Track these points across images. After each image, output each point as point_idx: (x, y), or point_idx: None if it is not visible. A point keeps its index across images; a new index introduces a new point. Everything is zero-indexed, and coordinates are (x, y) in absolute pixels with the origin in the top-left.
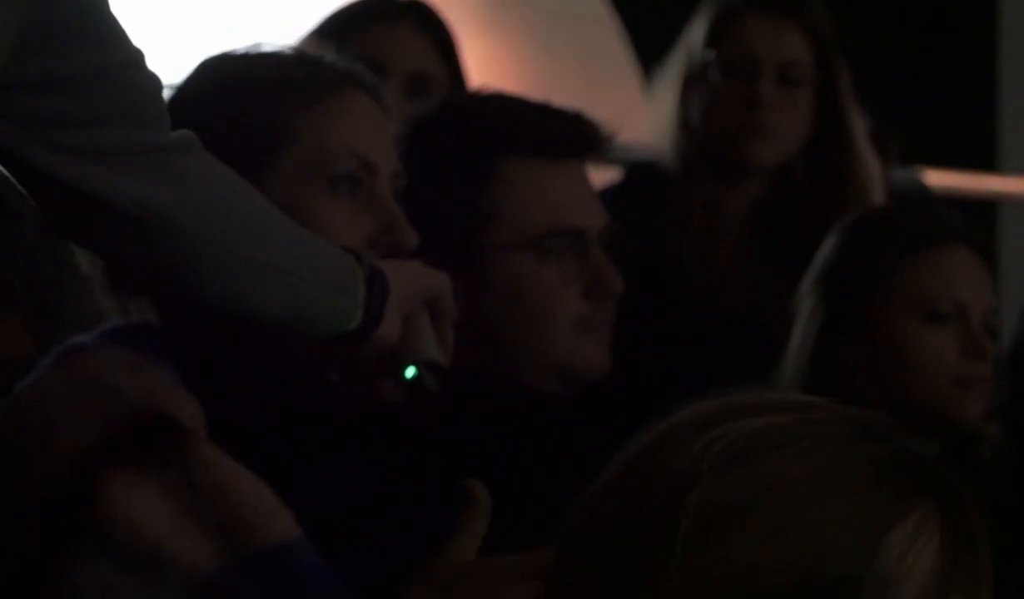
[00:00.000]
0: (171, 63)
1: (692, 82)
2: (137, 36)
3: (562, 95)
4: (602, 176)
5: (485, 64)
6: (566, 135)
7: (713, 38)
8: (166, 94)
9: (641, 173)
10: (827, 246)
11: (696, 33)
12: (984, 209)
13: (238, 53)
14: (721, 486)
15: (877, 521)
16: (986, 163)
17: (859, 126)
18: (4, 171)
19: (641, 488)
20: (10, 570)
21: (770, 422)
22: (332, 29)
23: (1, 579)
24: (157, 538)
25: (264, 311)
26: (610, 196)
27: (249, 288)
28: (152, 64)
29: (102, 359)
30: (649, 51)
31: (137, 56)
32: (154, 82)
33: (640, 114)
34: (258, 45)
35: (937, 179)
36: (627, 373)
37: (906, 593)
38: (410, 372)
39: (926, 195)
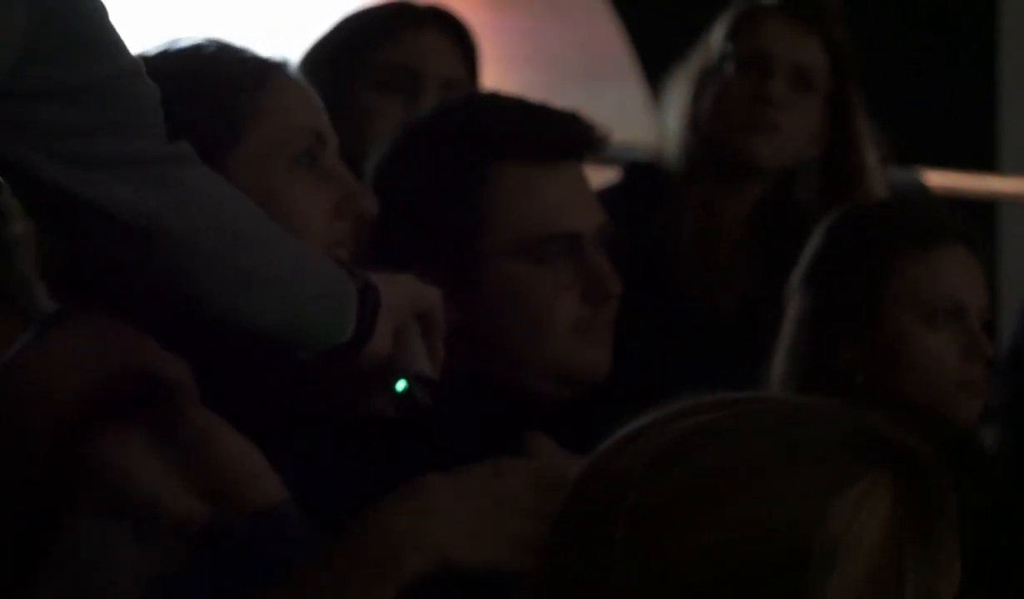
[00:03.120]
0: None
1: (707, 76)
2: (135, 42)
3: (562, 95)
4: (602, 176)
5: (485, 64)
6: (560, 138)
7: (732, 33)
8: None
9: (641, 173)
10: (817, 241)
11: (717, 30)
12: (984, 209)
13: (160, 54)
14: (651, 486)
15: (818, 493)
16: (986, 163)
17: (869, 141)
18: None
19: (583, 499)
20: (15, 530)
21: (699, 421)
22: (356, 35)
23: (6, 539)
24: (151, 488)
25: (259, 322)
26: (609, 196)
27: (243, 299)
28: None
29: (86, 323)
30: (649, 51)
31: (136, 65)
32: (152, 92)
33: (640, 113)
34: (174, 41)
35: (937, 179)
36: (624, 374)
37: (857, 560)
38: (401, 385)
39: (926, 195)
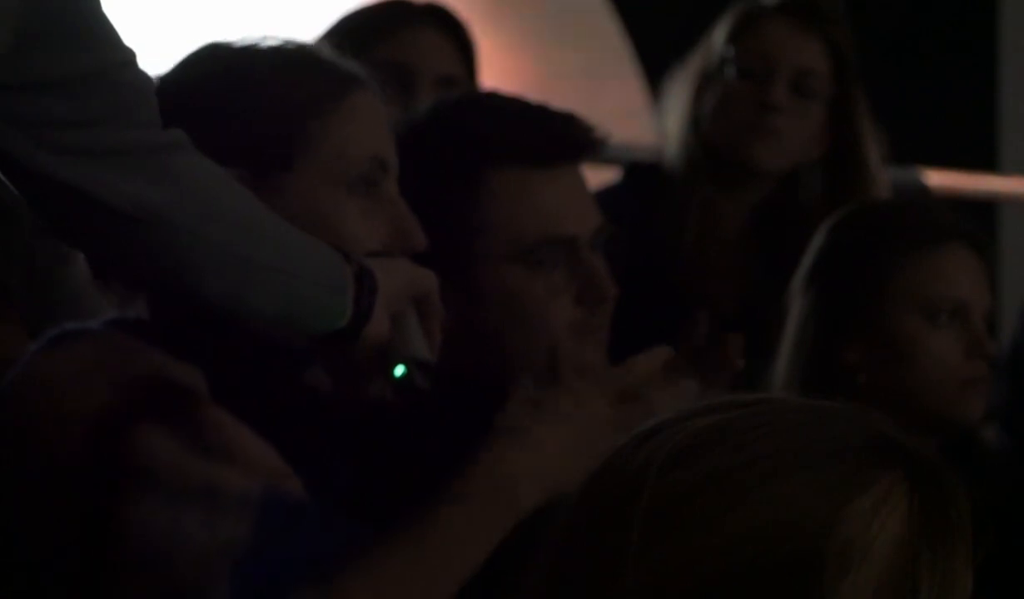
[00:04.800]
0: (167, 61)
1: (708, 79)
2: (131, 35)
3: (562, 94)
4: (602, 176)
5: (485, 64)
6: (556, 141)
7: (734, 36)
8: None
9: (641, 173)
10: (819, 242)
11: (718, 32)
12: (984, 209)
13: (237, 47)
14: (667, 483)
15: (834, 495)
16: (986, 163)
17: (873, 146)
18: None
19: (599, 494)
20: (59, 533)
21: (716, 419)
22: (353, 33)
23: (45, 555)
24: (203, 471)
25: (257, 309)
26: (610, 196)
27: (242, 286)
28: (146, 63)
29: (97, 340)
30: (649, 50)
31: (130, 55)
32: (147, 81)
33: (640, 113)
34: (255, 38)
35: (937, 179)
36: None
37: (873, 564)
38: (399, 370)
39: (926, 195)
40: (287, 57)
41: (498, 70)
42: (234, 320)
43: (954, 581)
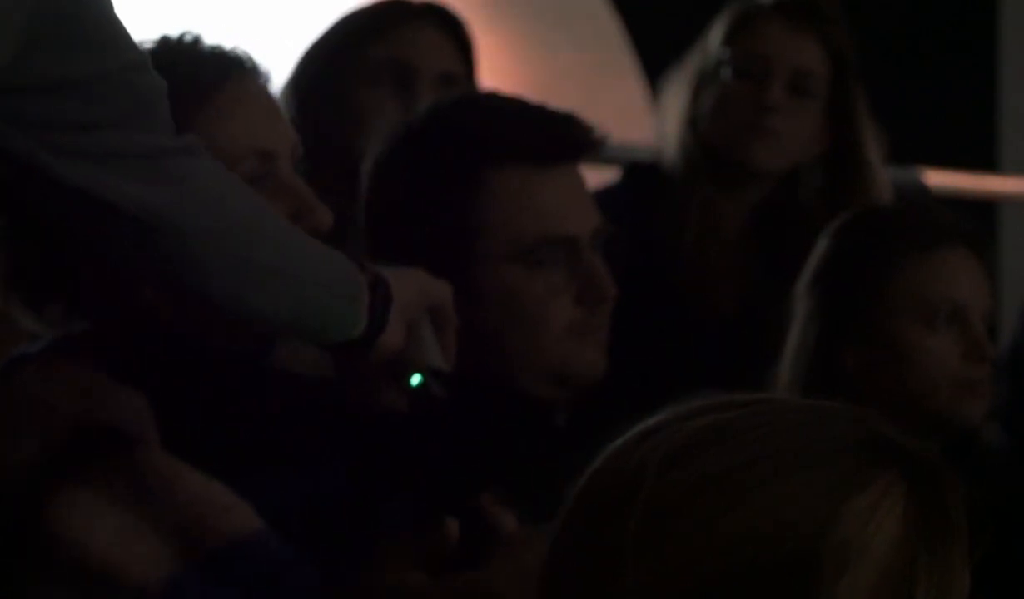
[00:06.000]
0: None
1: (705, 80)
2: (139, 36)
3: (562, 94)
4: (601, 176)
5: (485, 64)
6: (555, 141)
7: (730, 37)
8: None
9: (641, 173)
10: (821, 247)
11: (715, 32)
12: (984, 209)
13: None
14: (666, 483)
15: (831, 495)
16: (986, 163)
17: (873, 146)
18: None
19: (597, 492)
20: None
21: (715, 419)
22: (352, 32)
23: None
24: (104, 552)
25: (266, 315)
26: (609, 196)
27: (251, 291)
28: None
29: (42, 374)
30: (649, 50)
31: (141, 59)
32: (158, 85)
33: (640, 113)
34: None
35: (937, 179)
36: (622, 375)
37: (870, 564)
38: (415, 380)
39: (926, 195)
40: (160, 55)
41: (498, 70)
42: (182, 330)
43: (951, 581)
